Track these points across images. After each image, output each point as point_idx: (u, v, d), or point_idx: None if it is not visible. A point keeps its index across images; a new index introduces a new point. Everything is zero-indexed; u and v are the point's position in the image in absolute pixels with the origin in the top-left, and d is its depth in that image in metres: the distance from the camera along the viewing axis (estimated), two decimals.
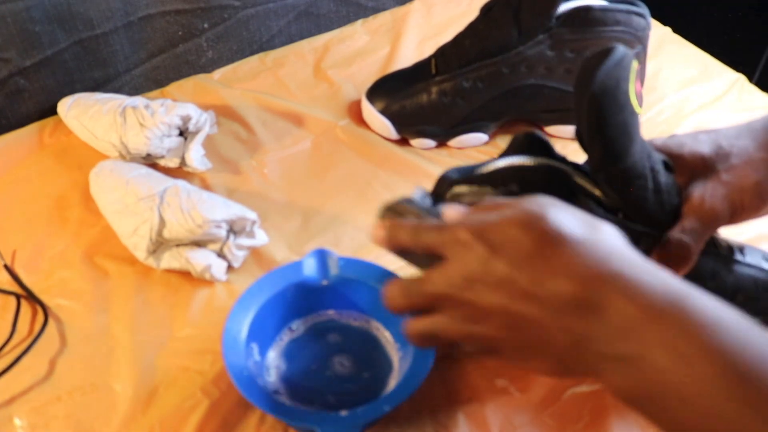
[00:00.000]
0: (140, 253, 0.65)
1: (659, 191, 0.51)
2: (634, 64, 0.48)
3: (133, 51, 0.84)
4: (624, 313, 0.38)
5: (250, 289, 0.58)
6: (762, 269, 0.56)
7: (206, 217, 0.63)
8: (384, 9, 0.99)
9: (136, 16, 0.82)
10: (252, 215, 0.65)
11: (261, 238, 0.67)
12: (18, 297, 0.64)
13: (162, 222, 0.64)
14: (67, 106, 0.79)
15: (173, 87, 0.87)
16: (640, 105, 0.80)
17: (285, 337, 0.60)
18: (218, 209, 0.64)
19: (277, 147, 0.80)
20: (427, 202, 0.49)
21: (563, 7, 0.73)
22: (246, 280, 0.64)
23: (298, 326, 0.61)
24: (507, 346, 0.42)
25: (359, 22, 0.97)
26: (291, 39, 0.94)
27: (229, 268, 0.66)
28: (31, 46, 0.77)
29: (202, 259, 0.64)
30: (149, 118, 0.72)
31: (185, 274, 0.66)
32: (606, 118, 0.47)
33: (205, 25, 0.87)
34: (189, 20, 0.86)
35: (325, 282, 0.59)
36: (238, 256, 0.66)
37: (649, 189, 0.50)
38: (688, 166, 0.54)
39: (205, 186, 0.74)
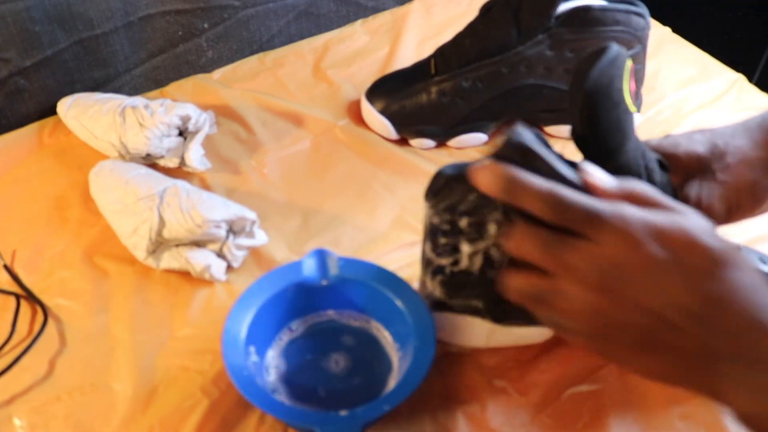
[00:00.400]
0: (140, 253, 0.65)
1: None
2: (629, 63, 0.48)
3: (133, 51, 0.84)
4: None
5: (249, 289, 0.58)
6: (758, 270, 0.56)
7: (206, 216, 0.63)
8: (384, 9, 0.99)
9: (136, 16, 0.82)
10: (251, 215, 0.65)
11: (260, 238, 0.67)
12: (18, 297, 0.64)
13: (162, 222, 0.64)
14: (66, 106, 0.79)
15: (173, 87, 0.87)
16: (638, 105, 0.80)
17: (284, 337, 0.60)
18: (218, 209, 0.64)
19: (277, 147, 0.80)
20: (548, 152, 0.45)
21: (562, 7, 0.73)
22: (246, 280, 0.64)
23: (297, 326, 0.61)
24: (629, 341, 0.42)
25: (359, 22, 0.97)
26: (291, 39, 0.94)
27: (229, 268, 0.67)
28: (31, 46, 0.77)
29: (201, 259, 0.64)
30: (149, 118, 0.72)
31: (185, 274, 0.66)
32: (600, 116, 0.47)
33: (205, 25, 0.87)
34: (189, 20, 0.86)
35: (324, 282, 0.59)
36: (237, 256, 0.66)
37: None
38: (684, 166, 0.54)
39: (205, 186, 0.74)
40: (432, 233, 0.53)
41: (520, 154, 0.44)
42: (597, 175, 0.45)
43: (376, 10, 0.99)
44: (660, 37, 0.94)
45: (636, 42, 0.75)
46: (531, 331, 0.58)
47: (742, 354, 0.40)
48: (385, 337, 0.60)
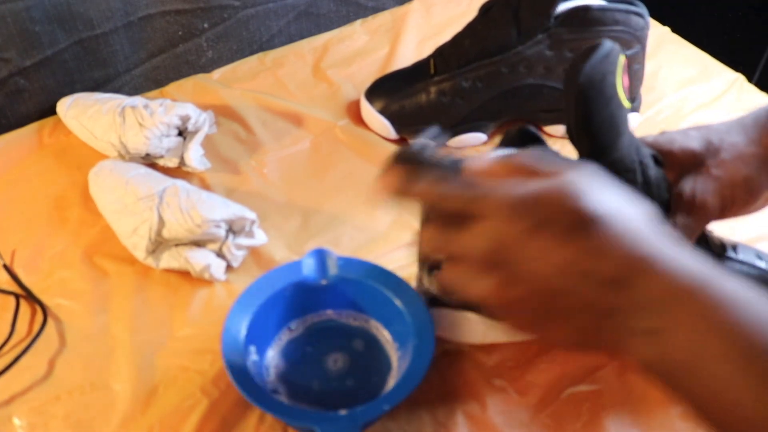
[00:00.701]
0: (139, 253, 0.65)
1: (648, 184, 0.51)
2: (622, 58, 0.49)
3: (133, 51, 0.84)
4: (653, 292, 0.40)
5: (249, 288, 0.58)
6: (755, 266, 0.56)
7: (205, 216, 0.63)
8: (383, 9, 0.99)
9: (136, 16, 0.82)
10: (251, 215, 0.65)
11: (260, 237, 0.67)
12: (17, 297, 0.64)
13: (161, 222, 0.64)
14: (66, 106, 0.79)
15: (173, 87, 0.87)
16: (637, 105, 0.80)
17: (284, 337, 0.60)
18: (217, 209, 0.64)
19: (277, 147, 0.80)
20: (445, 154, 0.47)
21: (562, 7, 0.73)
22: (245, 279, 0.64)
23: (297, 326, 0.61)
24: (531, 313, 0.43)
25: (359, 22, 0.97)
26: (291, 39, 0.94)
27: (229, 267, 0.67)
28: (31, 46, 0.77)
29: (201, 259, 0.64)
30: (148, 118, 0.72)
31: (184, 274, 0.66)
32: (593, 111, 0.48)
33: (205, 25, 0.87)
34: (189, 20, 0.86)
35: (324, 282, 0.59)
36: (237, 256, 0.66)
37: (638, 182, 0.51)
38: (678, 162, 0.55)
39: (205, 186, 0.74)
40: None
41: (409, 165, 0.46)
42: (474, 164, 0.46)
43: (376, 10, 0.99)
44: (659, 36, 0.94)
45: (635, 42, 0.75)
46: None
47: (631, 300, 0.40)
48: (385, 336, 0.60)
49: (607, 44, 0.48)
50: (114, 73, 0.84)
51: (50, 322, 0.62)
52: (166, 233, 0.64)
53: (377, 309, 0.60)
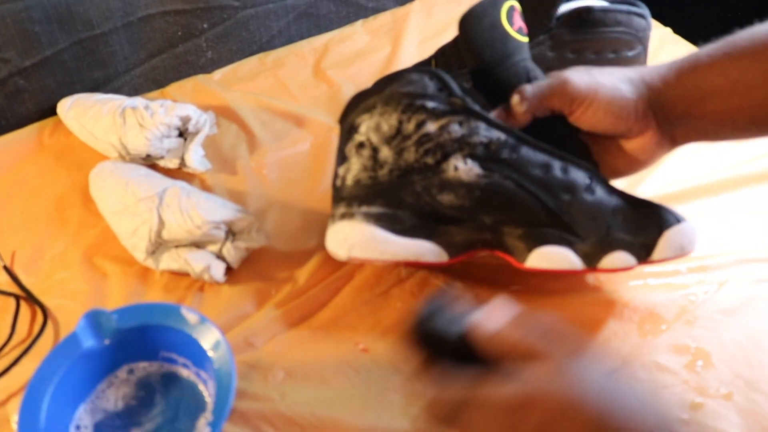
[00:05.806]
0: (139, 254, 0.65)
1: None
2: (506, 5, 0.59)
3: (133, 51, 0.84)
4: None
5: (31, 384, 0.52)
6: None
7: (205, 218, 0.63)
8: (384, 9, 0.99)
9: (136, 16, 0.82)
10: (250, 216, 0.65)
11: (259, 239, 0.67)
12: (17, 298, 0.64)
13: (161, 223, 0.64)
14: (66, 107, 0.79)
15: (173, 87, 0.87)
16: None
17: (85, 417, 0.54)
18: (217, 210, 0.64)
19: (277, 148, 0.80)
20: None
21: (564, 8, 0.73)
22: (245, 281, 0.64)
23: (97, 400, 0.55)
24: None
25: (359, 22, 0.97)
26: (291, 40, 0.94)
27: (228, 269, 0.66)
28: (30, 46, 0.77)
29: (201, 260, 0.64)
30: (149, 119, 0.72)
31: (184, 276, 0.66)
32: (475, 34, 0.58)
33: (205, 26, 0.87)
34: (188, 20, 0.86)
35: (107, 341, 0.55)
36: (236, 258, 0.66)
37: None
38: None
39: (205, 187, 0.74)
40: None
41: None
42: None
43: (377, 10, 0.99)
44: (661, 37, 0.94)
45: (637, 43, 0.75)
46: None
47: None
48: (189, 372, 0.57)
49: None
50: (114, 74, 0.84)
51: (50, 324, 0.62)
52: (166, 234, 0.64)
53: (170, 344, 0.56)
